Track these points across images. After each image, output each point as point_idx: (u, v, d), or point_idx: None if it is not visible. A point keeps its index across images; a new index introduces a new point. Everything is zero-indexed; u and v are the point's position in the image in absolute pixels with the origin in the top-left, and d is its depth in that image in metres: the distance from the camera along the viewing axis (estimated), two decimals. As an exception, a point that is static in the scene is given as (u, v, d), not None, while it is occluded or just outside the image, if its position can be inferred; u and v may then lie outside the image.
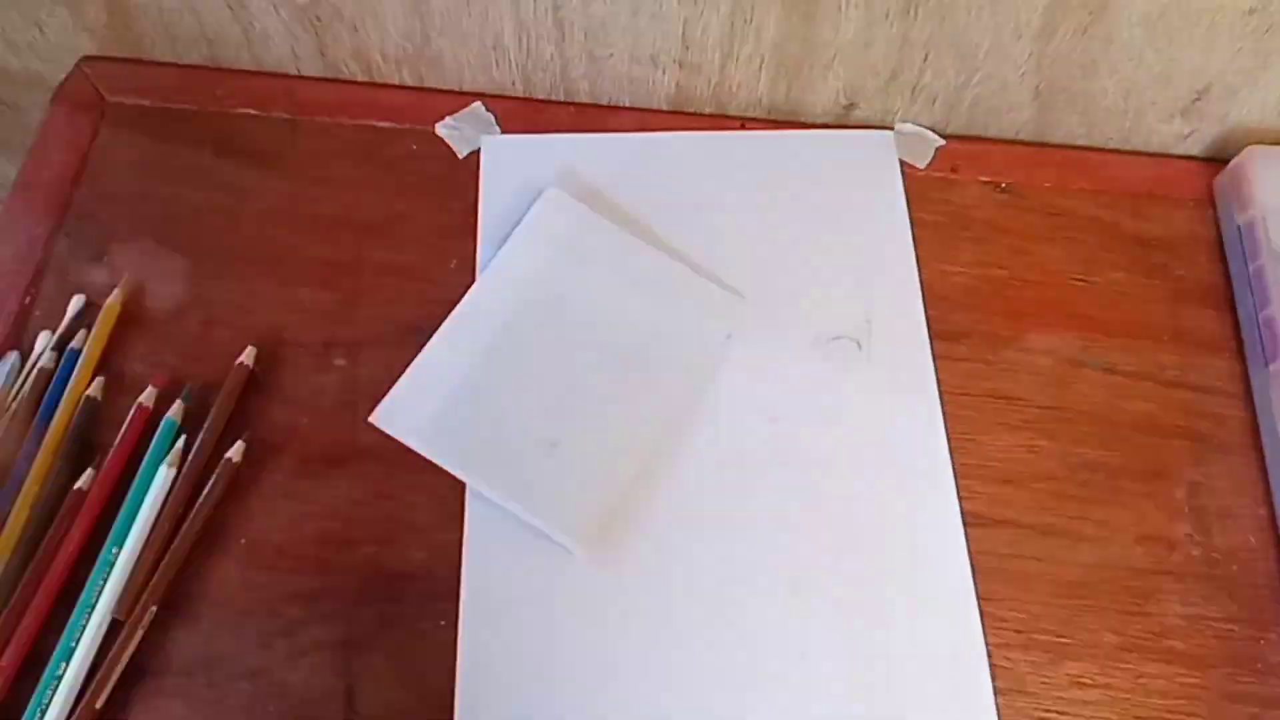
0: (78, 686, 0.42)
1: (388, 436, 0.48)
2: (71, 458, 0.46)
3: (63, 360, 0.48)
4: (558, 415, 0.48)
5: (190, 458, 0.46)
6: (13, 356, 0.49)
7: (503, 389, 0.48)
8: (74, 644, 0.43)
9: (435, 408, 0.47)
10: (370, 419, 0.47)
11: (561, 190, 0.53)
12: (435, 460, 0.47)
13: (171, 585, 0.44)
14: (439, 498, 0.46)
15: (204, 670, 0.43)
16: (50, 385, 0.48)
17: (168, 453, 0.46)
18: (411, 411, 0.47)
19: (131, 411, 0.47)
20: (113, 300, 0.50)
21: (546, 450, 0.47)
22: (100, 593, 0.44)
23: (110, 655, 0.42)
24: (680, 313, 0.51)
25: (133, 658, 0.43)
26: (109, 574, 0.44)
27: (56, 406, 0.47)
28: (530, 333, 0.50)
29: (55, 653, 0.42)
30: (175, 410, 0.47)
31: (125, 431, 0.47)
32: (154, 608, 0.44)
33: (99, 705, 0.42)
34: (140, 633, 0.43)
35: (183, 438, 0.47)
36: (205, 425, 0.47)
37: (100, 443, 0.47)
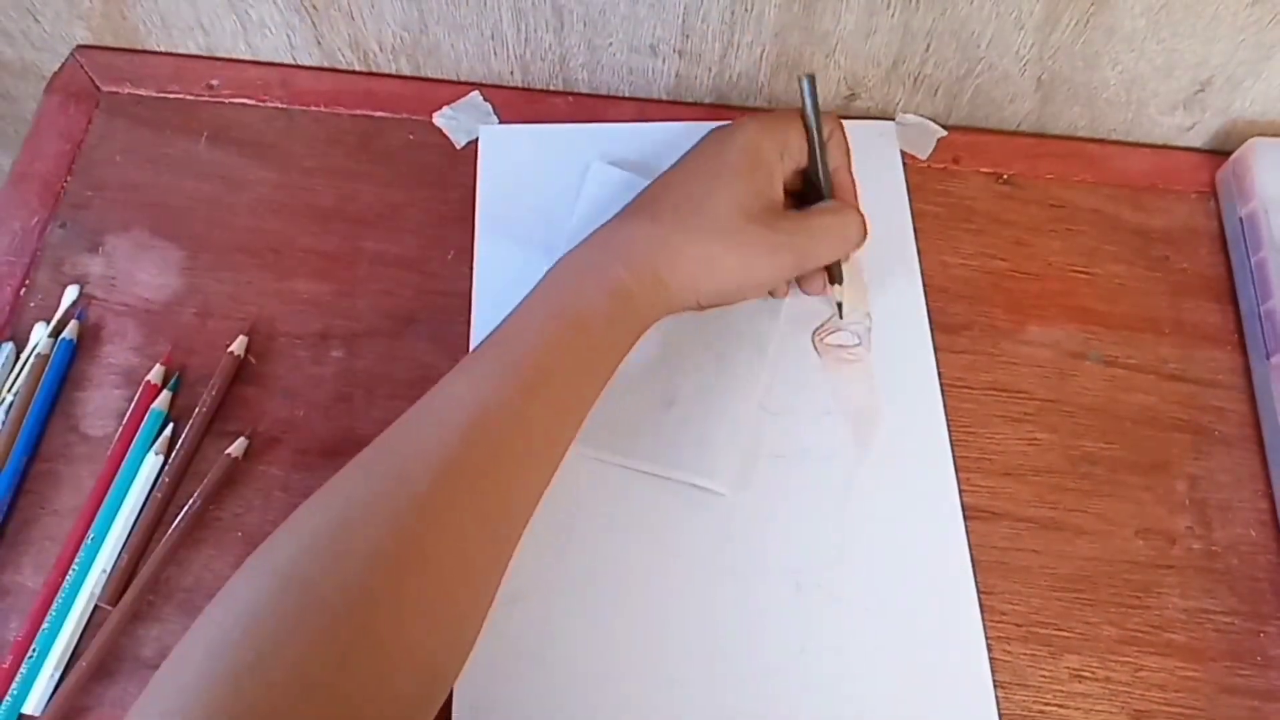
0: (59, 673, 0.42)
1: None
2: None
3: (56, 349, 0.48)
4: (664, 375, 0.48)
5: (178, 446, 0.46)
6: (7, 347, 0.49)
7: None
8: (57, 631, 0.43)
9: None
10: None
11: (604, 163, 0.53)
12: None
13: (166, 577, 0.44)
14: (437, 490, 0.46)
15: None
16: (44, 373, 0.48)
17: (154, 441, 0.46)
18: None
19: (139, 390, 0.47)
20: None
21: (665, 409, 0.47)
22: (84, 579, 0.43)
23: (98, 644, 0.42)
24: None
25: (128, 650, 0.43)
26: (94, 561, 0.44)
27: (53, 394, 0.47)
28: None
29: (38, 638, 0.42)
30: (162, 400, 0.47)
31: (132, 410, 0.47)
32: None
33: (76, 693, 0.42)
34: (121, 620, 0.43)
35: (170, 426, 0.47)
36: (194, 413, 0.47)
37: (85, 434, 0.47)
